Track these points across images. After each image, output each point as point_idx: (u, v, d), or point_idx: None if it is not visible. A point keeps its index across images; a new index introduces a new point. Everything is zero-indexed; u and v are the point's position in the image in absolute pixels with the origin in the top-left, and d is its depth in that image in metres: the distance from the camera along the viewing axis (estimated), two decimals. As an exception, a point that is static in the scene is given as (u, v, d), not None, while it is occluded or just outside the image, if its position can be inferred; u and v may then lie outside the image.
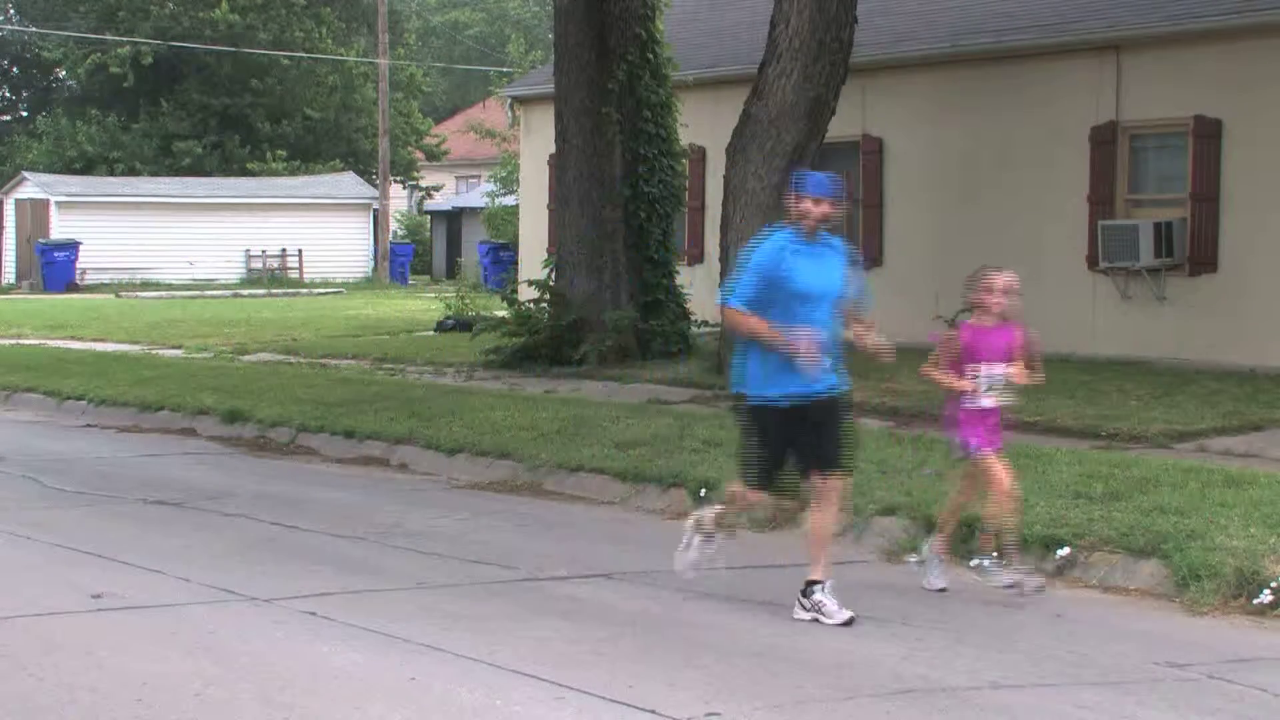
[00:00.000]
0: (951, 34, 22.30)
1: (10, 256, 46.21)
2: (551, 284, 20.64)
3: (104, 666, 6.93)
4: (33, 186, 46.50)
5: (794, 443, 7.97)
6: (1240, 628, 7.84)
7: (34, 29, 58.76)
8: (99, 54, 53.73)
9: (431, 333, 26.00)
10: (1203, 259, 19.40)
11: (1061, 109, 20.58)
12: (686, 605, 8.12)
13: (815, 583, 7.92)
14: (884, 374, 17.38)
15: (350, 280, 47.69)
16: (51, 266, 43.81)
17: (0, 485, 12.36)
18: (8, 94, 65.96)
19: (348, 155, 56.93)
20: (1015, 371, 8.34)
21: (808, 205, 7.97)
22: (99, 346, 24.23)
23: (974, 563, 8.63)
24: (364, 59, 57.14)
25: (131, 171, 52.00)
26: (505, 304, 21.56)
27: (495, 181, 49.67)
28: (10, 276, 45.89)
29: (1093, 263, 20.16)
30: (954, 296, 21.11)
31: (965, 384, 8.34)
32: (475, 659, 7.04)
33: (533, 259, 26.25)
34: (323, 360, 21.44)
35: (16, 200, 46.37)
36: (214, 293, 42.29)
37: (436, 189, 60.36)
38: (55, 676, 6.76)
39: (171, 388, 17.74)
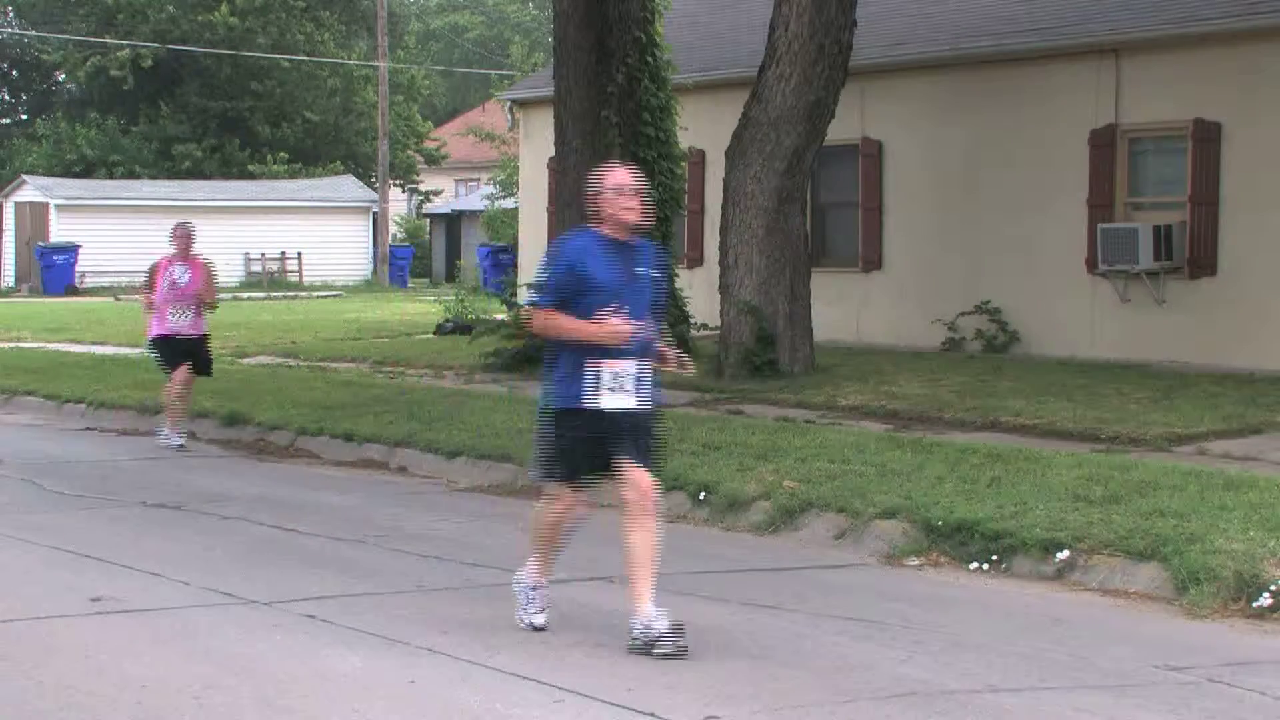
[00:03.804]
0: (951, 37, 22.30)
1: (9, 259, 46.20)
2: (551, 287, 20.58)
3: (103, 670, 6.92)
4: (32, 189, 46.50)
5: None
6: (1240, 631, 7.83)
7: (34, 32, 58.75)
8: (99, 57, 53.73)
9: (431, 336, 25.97)
10: (1202, 262, 19.40)
11: (1061, 112, 20.57)
12: (686, 608, 8.10)
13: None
14: (883, 376, 17.40)
15: (350, 283, 47.68)
16: (51, 270, 43.79)
17: (-1, 488, 12.38)
18: (7, 97, 65.95)
19: (347, 158, 56.93)
20: None
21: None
22: (98, 349, 24.21)
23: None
24: (364, 62, 57.14)
25: (131, 175, 51.97)
26: (505, 307, 21.55)
27: (495, 184, 49.66)
28: (9, 279, 45.88)
29: (1092, 265, 20.15)
30: (954, 299, 21.29)
31: None
32: (475, 662, 7.04)
33: (532, 262, 26.17)
34: (322, 363, 21.44)
35: (16, 203, 46.37)
36: (213, 296, 42.25)
37: (436, 192, 60.35)
38: (54, 679, 6.76)
39: (171, 391, 17.71)
